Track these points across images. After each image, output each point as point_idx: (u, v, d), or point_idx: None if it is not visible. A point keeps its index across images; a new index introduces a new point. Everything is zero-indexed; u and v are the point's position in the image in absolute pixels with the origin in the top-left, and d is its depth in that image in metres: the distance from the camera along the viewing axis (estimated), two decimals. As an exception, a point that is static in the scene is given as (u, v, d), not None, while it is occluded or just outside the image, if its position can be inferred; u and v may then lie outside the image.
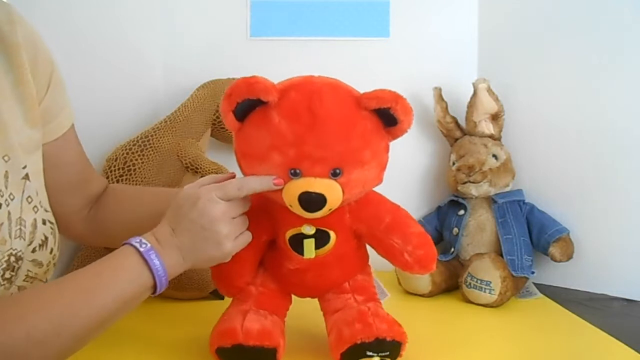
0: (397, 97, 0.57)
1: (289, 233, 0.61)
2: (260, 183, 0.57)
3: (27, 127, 0.58)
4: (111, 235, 0.72)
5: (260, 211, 0.62)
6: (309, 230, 0.60)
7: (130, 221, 0.71)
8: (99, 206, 0.72)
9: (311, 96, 0.55)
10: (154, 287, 0.55)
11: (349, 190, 0.57)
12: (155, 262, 0.55)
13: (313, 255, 0.61)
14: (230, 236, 0.58)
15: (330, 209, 0.57)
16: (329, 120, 0.55)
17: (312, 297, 0.68)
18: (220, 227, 0.57)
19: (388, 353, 0.60)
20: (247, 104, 0.56)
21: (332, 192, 0.56)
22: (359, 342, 0.59)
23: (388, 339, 0.60)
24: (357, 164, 0.57)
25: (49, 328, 0.48)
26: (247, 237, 0.61)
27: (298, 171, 0.55)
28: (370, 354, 0.59)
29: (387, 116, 0.57)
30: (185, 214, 0.58)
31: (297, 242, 0.61)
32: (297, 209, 0.56)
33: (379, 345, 0.59)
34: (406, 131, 0.59)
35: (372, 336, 0.59)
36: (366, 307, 0.63)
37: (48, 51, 0.63)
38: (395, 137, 0.60)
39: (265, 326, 0.61)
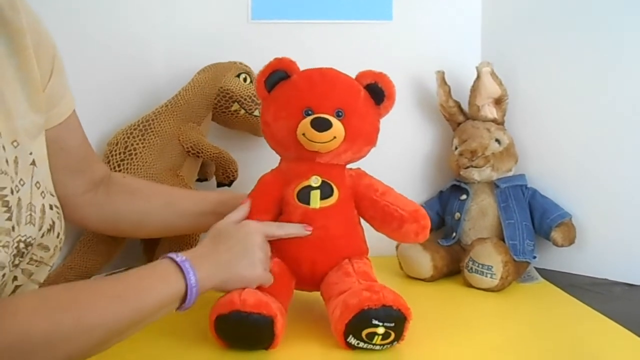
0: (382, 74, 0.73)
1: (298, 187, 0.70)
2: (296, 228, 0.69)
3: (31, 112, 0.58)
4: (117, 222, 0.74)
5: (272, 187, 0.72)
6: (316, 182, 0.70)
7: (140, 212, 0.75)
8: (109, 193, 0.73)
9: (323, 69, 0.73)
10: (184, 295, 0.58)
11: (348, 132, 0.69)
12: (189, 270, 0.58)
13: (318, 205, 0.69)
14: (263, 264, 0.66)
15: (334, 137, 0.68)
16: (335, 79, 0.72)
17: (315, 272, 0.70)
18: (259, 252, 0.66)
19: (393, 325, 0.61)
20: (275, 76, 0.72)
21: (336, 123, 0.68)
22: (365, 308, 0.60)
23: (394, 307, 0.61)
24: (355, 111, 0.71)
25: (95, 318, 0.51)
26: (271, 277, 0.68)
27: (310, 111, 0.69)
28: (376, 322, 0.60)
29: (377, 92, 0.73)
30: (232, 234, 0.66)
31: (305, 195, 0.70)
32: (309, 132, 0.67)
33: (385, 313, 0.60)
34: (392, 103, 0.74)
35: (380, 303, 0.60)
36: (373, 283, 0.65)
37: (50, 37, 0.62)
38: (385, 110, 0.74)
39: (262, 298, 0.62)
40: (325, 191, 0.70)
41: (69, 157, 0.67)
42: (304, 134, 0.68)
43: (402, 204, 0.71)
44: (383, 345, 0.62)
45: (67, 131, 0.66)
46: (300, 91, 0.70)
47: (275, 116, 0.71)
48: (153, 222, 0.76)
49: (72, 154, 0.68)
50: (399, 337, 0.62)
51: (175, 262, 0.58)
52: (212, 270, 0.61)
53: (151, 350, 0.63)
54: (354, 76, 0.73)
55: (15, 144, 0.55)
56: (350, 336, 0.61)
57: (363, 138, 0.72)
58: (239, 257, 0.64)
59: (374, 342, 0.61)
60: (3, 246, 0.51)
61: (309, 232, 0.69)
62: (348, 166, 0.74)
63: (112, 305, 0.52)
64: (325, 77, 0.71)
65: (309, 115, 0.68)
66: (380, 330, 0.60)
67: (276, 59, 0.72)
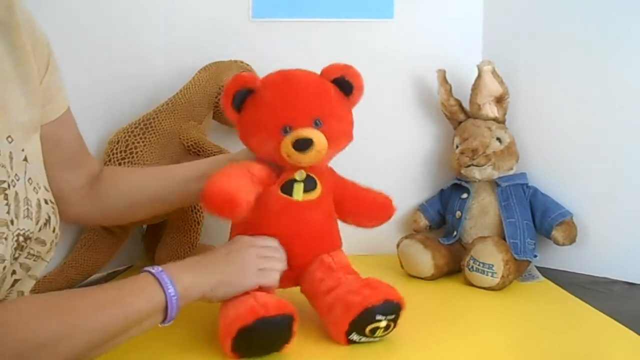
0: (347, 66, 0.71)
1: (282, 180, 0.70)
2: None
3: (29, 108, 0.59)
4: (111, 212, 0.74)
5: (266, 170, 0.70)
6: (300, 176, 0.69)
7: (131, 198, 0.75)
8: (101, 185, 0.74)
9: (285, 73, 0.70)
10: (165, 309, 0.57)
11: (330, 139, 0.67)
12: (167, 281, 0.58)
13: (300, 198, 0.69)
14: (255, 267, 0.65)
15: (319, 152, 0.66)
16: (302, 84, 0.69)
17: (294, 266, 0.69)
18: (249, 256, 0.65)
19: (393, 317, 0.63)
20: (240, 95, 0.69)
21: (317, 136, 0.66)
22: (370, 305, 0.61)
23: (395, 300, 0.63)
24: (332, 115, 0.69)
25: (85, 325, 0.52)
26: (273, 275, 0.66)
27: (288, 128, 0.67)
28: (380, 317, 0.62)
29: (344, 85, 0.71)
30: (222, 245, 0.67)
31: (288, 187, 0.69)
32: (293, 155, 0.66)
33: (387, 307, 0.62)
34: (361, 94, 0.72)
35: (382, 298, 0.62)
36: (369, 279, 0.66)
37: (44, 34, 0.63)
38: (354, 101, 0.72)
39: (279, 299, 0.62)
40: (309, 184, 0.70)
41: (65, 152, 0.68)
42: (288, 156, 0.66)
43: (373, 193, 0.75)
44: (383, 336, 0.64)
45: (63, 127, 0.67)
46: (273, 108, 0.68)
47: (256, 138, 0.70)
48: (146, 199, 0.75)
49: (69, 149, 0.69)
50: (395, 324, 0.64)
51: (153, 274, 0.58)
52: (197, 278, 0.61)
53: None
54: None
55: (9, 139, 0.55)
56: (353, 333, 0.62)
57: (344, 138, 0.72)
58: (227, 261, 0.64)
59: (376, 335, 0.63)
60: (3, 238, 0.51)
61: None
62: None
63: (99, 314, 0.53)
64: (292, 85, 0.69)
65: (287, 132, 0.66)
66: (383, 323, 0.62)
67: (234, 77, 0.70)
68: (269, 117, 0.68)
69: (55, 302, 0.53)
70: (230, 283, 0.63)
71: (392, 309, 0.63)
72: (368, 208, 0.75)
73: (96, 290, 0.57)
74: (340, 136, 0.71)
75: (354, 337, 0.63)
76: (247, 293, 0.63)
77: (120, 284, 0.58)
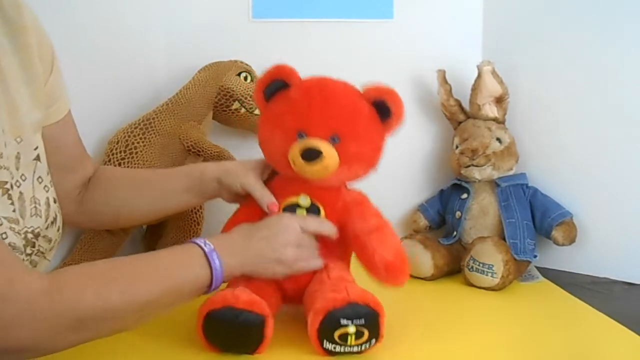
0: (391, 90, 0.68)
1: (285, 203, 0.68)
2: (329, 228, 0.68)
3: (34, 109, 0.60)
4: (95, 215, 0.75)
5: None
6: (304, 201, 0.68)
7: (115, 202, 0.75)
8: (90, 191, 0.74)
9: (324, 81, 0.68)
10: (209, 286, 0.60)
11: (343, 160, 0.65)
12: (216, 262, 0.59)
13: None
14: (290, 261, 0.66)
15: (325, 167, 0.64)
16: (334, 97, 0.67)
17: (299, 287, 0.68)
18: (287, 252, 0.65)
19: (364, 322, 0.58)
20: (274, 85, 0.68)
21: (329, 150, 0.64)
22: (331, 308, 0.58)
23: (361, 303, 0.58)
24: (353, 135, 0.66)
25: (140, 293, 0.53)
26: (307, 264, 0.67)
27: (303, 134, 0.65)
28: (345, 322, 0.58)
29: (383, 109, 0.67)
30: (268, 225, 0.66)
31: (290, 211, 0.68)
32: (298, 162, 0.64)
33: (352, 310, 0.58)
34: (399, 122, 0.69)
35: (344, 301, 0.58)
36: (340, 282, 0.63)
37: (48, 36, 0.64)
38: (390, 128, 0.69)
39: (254, 298, 0.61)
40: (312, 212, 0.68)
41: (64, 155, 0.68)
42: (293, 162, 0.65)
43: (382, 250, 0.66)
44: (360, 345, 0.60)
45: (64, 130, 0.67)
46: (296, 110, 0.66)
47: (271, 134, 0.68)
48: (130, 209, 0.76)
49: (67, 153, 0.69)
50: (375, 334, 0.60)
51: (204, 250, 0.60)
52: (241, 265, 0.63)
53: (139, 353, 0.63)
54: (358, 81, 0.69)
55: (18, 139, 0.56)
56: (325, 341, 0.59)
57: (361, 164, 0.68)
58: (269, 252, 0.65)
59: (348, 343, 0.59)
60: (16, 232, 0.53)
61: (336, 236, 0.68)
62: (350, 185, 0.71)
63: (154, 282, 0.55)
64: (324, 94, 0.66)
65: (302, 137, 0.65)
66: (351, 329, 0.58)
67: (275, 67, 0.69)
68: (289, 116, 0.67)
69: (107, 270, 0.55)
70: (265, 273, 0.66)
71: (360, 313, 0.58)
72: (362, 259, 0.68)
73: (151, 257, 0.60)
74: (356, 160, 0.67)
75: (328, 345, 0.59)
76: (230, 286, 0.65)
77: (174, 255, 0.60)
